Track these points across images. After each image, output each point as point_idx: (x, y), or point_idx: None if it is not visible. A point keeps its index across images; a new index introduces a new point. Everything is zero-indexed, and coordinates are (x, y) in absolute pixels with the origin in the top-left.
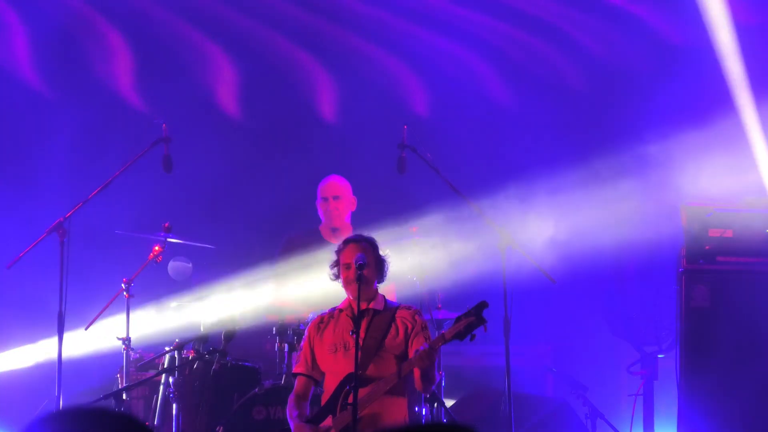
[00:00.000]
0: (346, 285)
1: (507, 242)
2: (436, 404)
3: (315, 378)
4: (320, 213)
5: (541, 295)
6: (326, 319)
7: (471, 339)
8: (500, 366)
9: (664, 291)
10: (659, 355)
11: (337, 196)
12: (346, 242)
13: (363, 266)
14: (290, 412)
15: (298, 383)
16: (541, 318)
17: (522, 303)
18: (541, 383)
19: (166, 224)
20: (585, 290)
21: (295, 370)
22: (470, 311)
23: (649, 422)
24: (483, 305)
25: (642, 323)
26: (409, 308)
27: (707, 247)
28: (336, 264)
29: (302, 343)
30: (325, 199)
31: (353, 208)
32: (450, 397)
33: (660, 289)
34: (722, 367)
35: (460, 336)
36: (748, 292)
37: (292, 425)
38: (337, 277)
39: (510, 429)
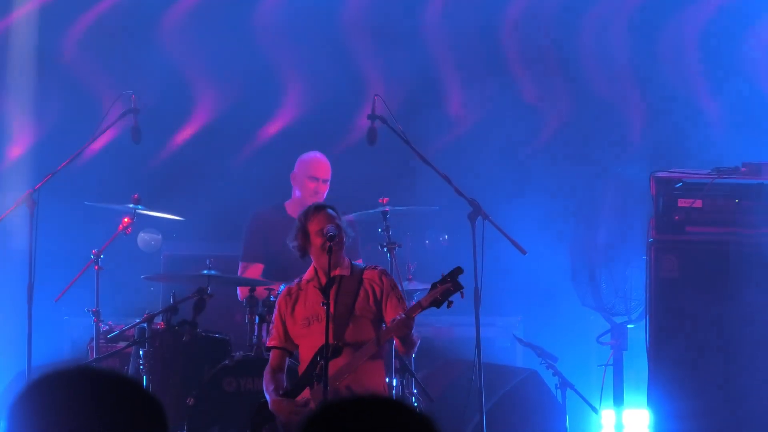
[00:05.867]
0: (320, 252)
1: (477, 213)
2: (406, 375)
3: (289, 350)
4: (299, 188)
5: (511, 265)
6: (294, 291)
7: (448, 306)
8: (470, 337)
9: (633, 261)
10: (629, 326)
11: (327, 179)
12: (318, 209)
13: (334, 237)
14: (267, 387)
15: (272, 357)
16: (511, 289)
17: (492, 274)
18: (510, 354)
19: (135, 196)
20: (555, 261)
21: (268, 343)
22: (445, 277)
23: (618, 392)
24: (458, 271)
25: (611, 294)
26: (375, 268)
27: (676, 218)
28: (301, 233)
29: (273, 315)
30: (315, 179)
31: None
32: (420, 367)
33: (630, 260)
34: (691, 337)
35: (437, 303)
36: (717, 263)
37: (269, 399)
38: (301, 247)
39: (480, 399)
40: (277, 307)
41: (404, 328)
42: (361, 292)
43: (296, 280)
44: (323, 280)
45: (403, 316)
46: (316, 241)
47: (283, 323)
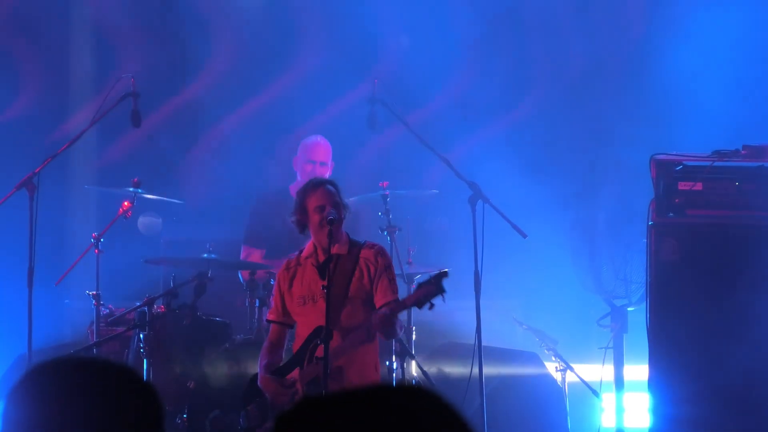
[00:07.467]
0: (319, 229)
1: (477, 196)
2: (406, 358)
3: (288, 324)
4: (299, 172)
5: (511, 248)
6: (293, 266)
7: (429, 308)
8: (471, 320)
9: (634, 244)
10: (629, 309)
11: (324, 162)
12: (316, 185)
13: (333, 221)
14: (260, 361)
15: (271, 330)
16: (511, 272)
17: (492, 257)
18: (511, 337)
19: (135, 179)
20: (555, 244)
21: (268, 317)
22: (431, 279)
23: (619, 375)
24: (443, 275)
25: (612, 277)
26: (372, 247)
27: (677, 200)
28: (300, 209)
29: (274, 288)
30: (312, 163)
31: (330, 172)
32: (420, 351)
33: (630, 243)
34: (692, 320)
35: (419, 304)
36: (717, 245)
37: (258, 375)
38: (300, 222)
39: (480, 382)
40: (276, 280)
41: (387, 325)
42: (356, 272)
43: (296, 254)
44: (321, 258)
45: (388, 313)
46: (314, 217)
47: (282, 297)
